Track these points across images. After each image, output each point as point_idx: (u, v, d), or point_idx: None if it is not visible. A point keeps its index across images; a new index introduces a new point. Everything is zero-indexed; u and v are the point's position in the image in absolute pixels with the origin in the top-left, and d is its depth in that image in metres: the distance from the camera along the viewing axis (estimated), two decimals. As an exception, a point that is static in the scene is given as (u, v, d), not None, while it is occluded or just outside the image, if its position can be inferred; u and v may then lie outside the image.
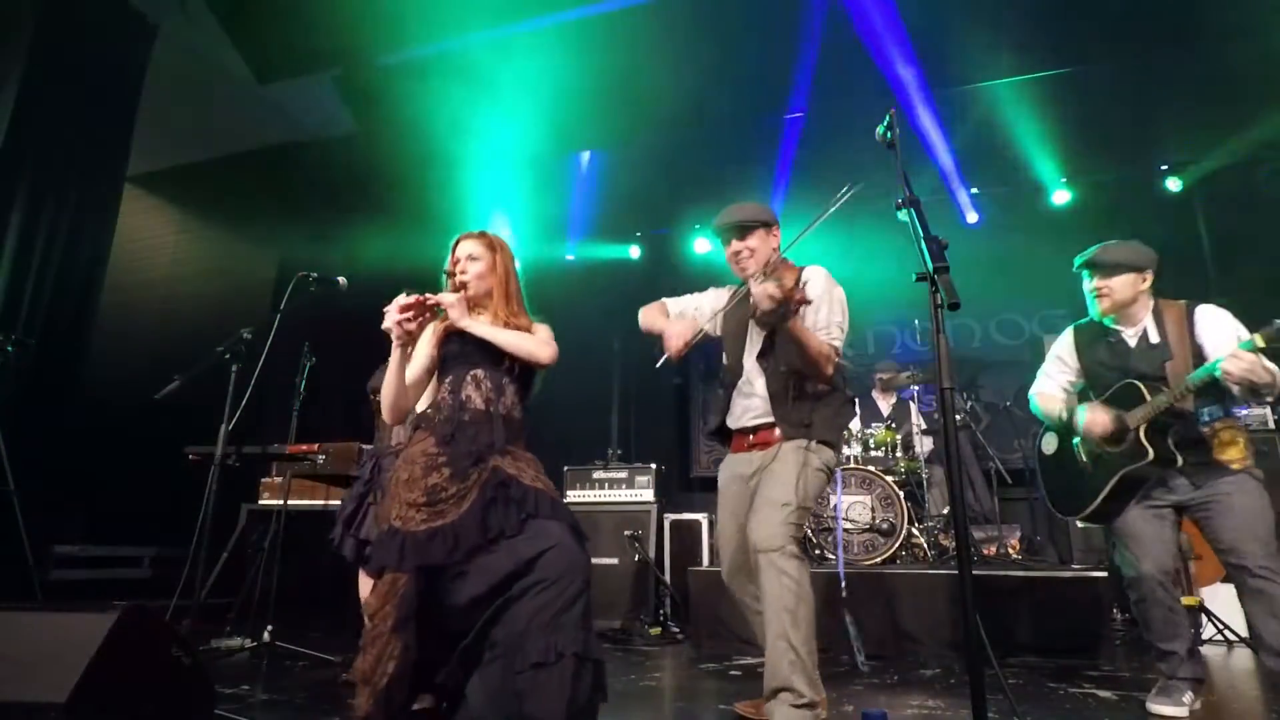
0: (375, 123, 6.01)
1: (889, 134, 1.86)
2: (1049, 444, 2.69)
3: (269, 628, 3.46)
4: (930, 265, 1.62)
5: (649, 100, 5.33)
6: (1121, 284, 2.45)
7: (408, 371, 1.95)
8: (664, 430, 7.18)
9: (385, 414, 1.98)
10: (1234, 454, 2.30)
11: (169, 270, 7.00)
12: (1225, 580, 3.82)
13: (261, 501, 4.18)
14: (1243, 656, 3.44)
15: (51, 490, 4.50)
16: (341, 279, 3.32)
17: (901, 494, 4.25)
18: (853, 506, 4.33)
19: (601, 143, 6.27)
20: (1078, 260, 2.54)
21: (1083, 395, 2.62)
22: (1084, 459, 2.51)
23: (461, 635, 1.73)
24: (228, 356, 3.07)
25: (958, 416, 4.64)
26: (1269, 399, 2.24)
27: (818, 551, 4.38)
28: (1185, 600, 3.74)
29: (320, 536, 2.98)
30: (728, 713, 2.48)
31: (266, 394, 3.42)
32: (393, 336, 1.90)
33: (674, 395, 7.31)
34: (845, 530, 4.30)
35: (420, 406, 2.02)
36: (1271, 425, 4.39)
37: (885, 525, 4.24)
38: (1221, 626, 3.67)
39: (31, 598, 3.84)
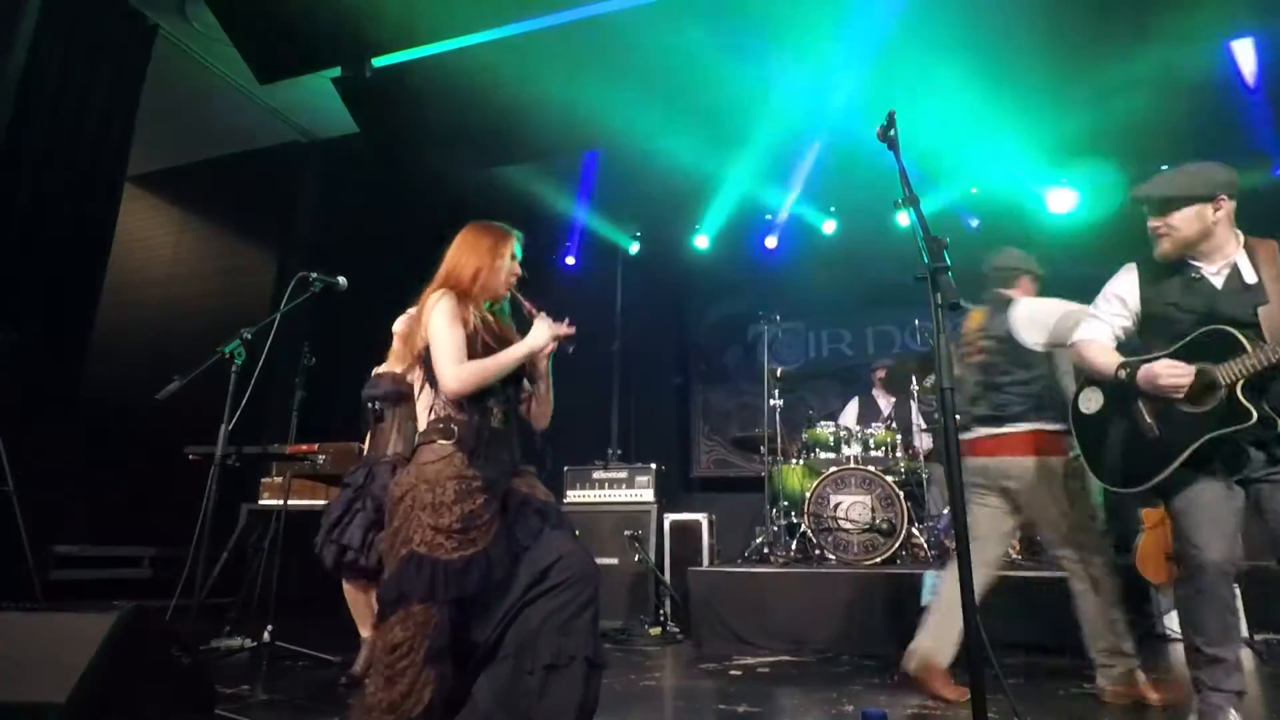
0: (375, 123, 6.00)
1: (889, 134, 1.86)
2: (1090, 401, 2.22)
3: (269, 628, 3.46)
4: (930, 265, 1.62)
5: (660, 98, 5.33)
6: (1185, 220, 2.03)
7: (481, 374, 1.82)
8: (664, 430, 7.18)
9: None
10: None
11: (169, 270, 7.00)
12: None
13: (261, 501, 4.18)
14: (1243, 657, 3.44)
15: (51, 490, 4.50)
16: (341, 279, 3.32)
17: (901, 494, 4.25)
18: (853, 506, 4.33)
19: (608, 143, 6.25)
20: (1134, 193, 2.15)
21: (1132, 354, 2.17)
22: (1148, 419, 2.05)
23: (477, 645, 1.71)
24: (228, 356, 3.07)
25: (958, 417, 4.64)
26: None
27: (818, 551, 4.38)
28: (1185, 600, 3.74)
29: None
30: (728, 712, 2.48)
31: (266, 394, 3.43)
32: (547, 349, 1.90)
33: (674, 395, 7.32)
34: (845, 530, 4.31)
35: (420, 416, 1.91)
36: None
37: (885, 525, 4.24)
38: (1221, 626, 3.67)
39: (31, 598, 3.84)
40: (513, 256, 2.00)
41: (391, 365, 3.18)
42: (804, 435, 5.04)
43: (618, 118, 5.40)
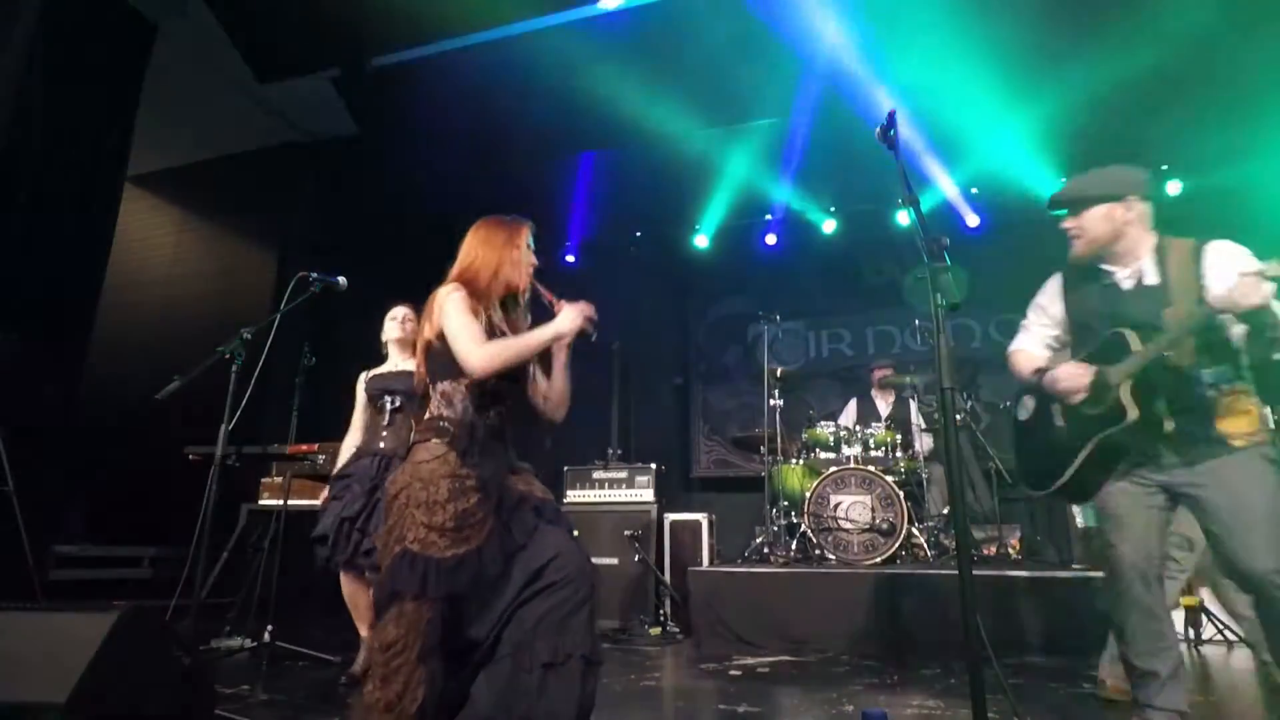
0: (375, 123, 6.01)
1: (889, 134, 1.86)
2: (1025, 409, 2.25)
3: (269, 628, 3.46)
4: (930, 265, 1.62)
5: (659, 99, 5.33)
6: (1095, 219, 2.04)
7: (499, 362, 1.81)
8: (664, 430, 7.18)
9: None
10: (1240, 426, 1.87)
11: (169, 270, 7.00)
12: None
13: (261, 501, 4.18)
14: (1243, 656, 3.44)
15: (51, 490, 4.50)
16: (341, 279, 3.32)
17: (901, 494, 4.25)
18: (853, 506, 4.33)
19: (607, 143, 6.25)
20: (1052, 197, 2.17)
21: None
22: (1060, 422, 2.09)
23: (476, 645, 1.70)
24: (228, 356, 3.07)
25: (958, 416, 4.64)
26: (1273, 336, 1.76)
27: (818, 551, 4.38)
28: (1185, 600, 3.75)
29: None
30: (728, 712, 2.48)
31: (266, 394, 3.42)
32: (570, 337, 1.87)
33: (674, 395, 7.31)
34: (845, 530, 4.31)
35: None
36: (1271, 425, 4.39)
37: (885, 525, 4.24)
38: (1221, 626, 3.67)
39: (31, 598, 3.84)
40: (528, 247, 2.00)
41: (402, 366, 3.20)
42: (804, 435, 5.03)
43: (617, 116, 5.41)
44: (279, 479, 4.09)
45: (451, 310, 1.82)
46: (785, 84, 5.36)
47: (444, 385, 1.85)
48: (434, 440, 1.77)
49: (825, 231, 6.84)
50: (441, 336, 1.83)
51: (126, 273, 6.57)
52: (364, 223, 6.49)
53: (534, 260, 2.01)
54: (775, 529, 4.72)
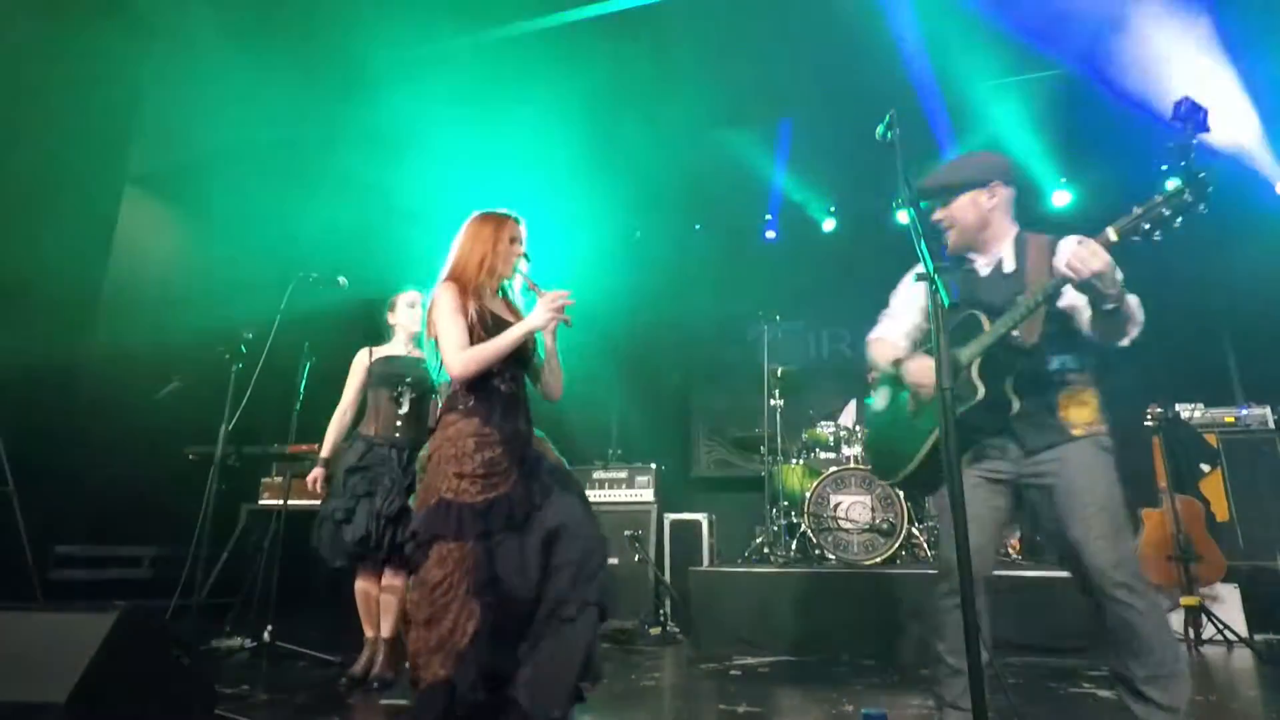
0: (378, 123, 6.01)
1: (889, 134, 1.86)
2: (880, 399, 2.23)
3: (269, 628, 3.46)
4: (930, 265, 1.62)
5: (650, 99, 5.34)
6: (962, 206, 2.02)
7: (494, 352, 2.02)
8: (664, 430, 7.18)
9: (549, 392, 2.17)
10: (1081, 415, 1.90)
11: (169, 270, 6.99)
12: (1225, 580, 3.85)
13: (261, 501, 4.18)
14: (1243, 656, 3.44)
15: (51, 490, 4.50)
16: (341, 279, 3.33)
17: (901, 494, 4.25)
18: (853, 506, 4.33)
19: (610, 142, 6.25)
20: (916, 187, 2.11)
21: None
22: (911, 409, 2.08)
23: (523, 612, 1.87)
24: (228, 356, 3.07)
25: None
26: (1111, 306, 1.74)
27: (818, 551, 4.38)
28: (1185, 600, 3.75)
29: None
30: (728, 712, 2.48)
31: (266, 394, 3.43)
32: (549, 328, 2.06)
33: (674, 395, 7.31)
34: (845, 530, 4.31)
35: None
36: (1271, 425, 4.39)
37: (885, 525, 4.24)
38: (1221, 626, 3.67)
39: (31, 598, 3.84)
40: (514, 239, 2.18)
41: (412, 353, 3.19)
42: (804, 435, 5.03)
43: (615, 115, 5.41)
44: (279, 479, 4.09)
45: (440, 314, 2.05)
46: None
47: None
48: (459, 408, 2.01)
49: (825, 230, 6.84)
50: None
51: (126, 273, 6.56)
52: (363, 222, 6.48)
53: (520, 251, 2.18)
54: (775, 529, 4.72)
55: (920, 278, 1.64)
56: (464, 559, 1.82)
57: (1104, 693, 2.68)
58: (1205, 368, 5.73)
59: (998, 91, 5.42)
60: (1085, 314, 1.87)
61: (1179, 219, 1.68)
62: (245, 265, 6.77)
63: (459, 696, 1.76)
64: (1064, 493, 1.84)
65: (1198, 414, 4.49)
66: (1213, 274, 5.82)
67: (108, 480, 5.36)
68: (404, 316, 3.22)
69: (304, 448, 3.91)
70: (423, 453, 2.02)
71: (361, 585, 2.98)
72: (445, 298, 2.05)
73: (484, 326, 2.04)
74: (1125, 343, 1.88)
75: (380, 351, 3.20)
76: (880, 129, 1.85)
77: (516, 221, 2.20)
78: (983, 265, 2.05)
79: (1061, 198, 6.12)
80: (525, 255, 2.20)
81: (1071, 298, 1.86)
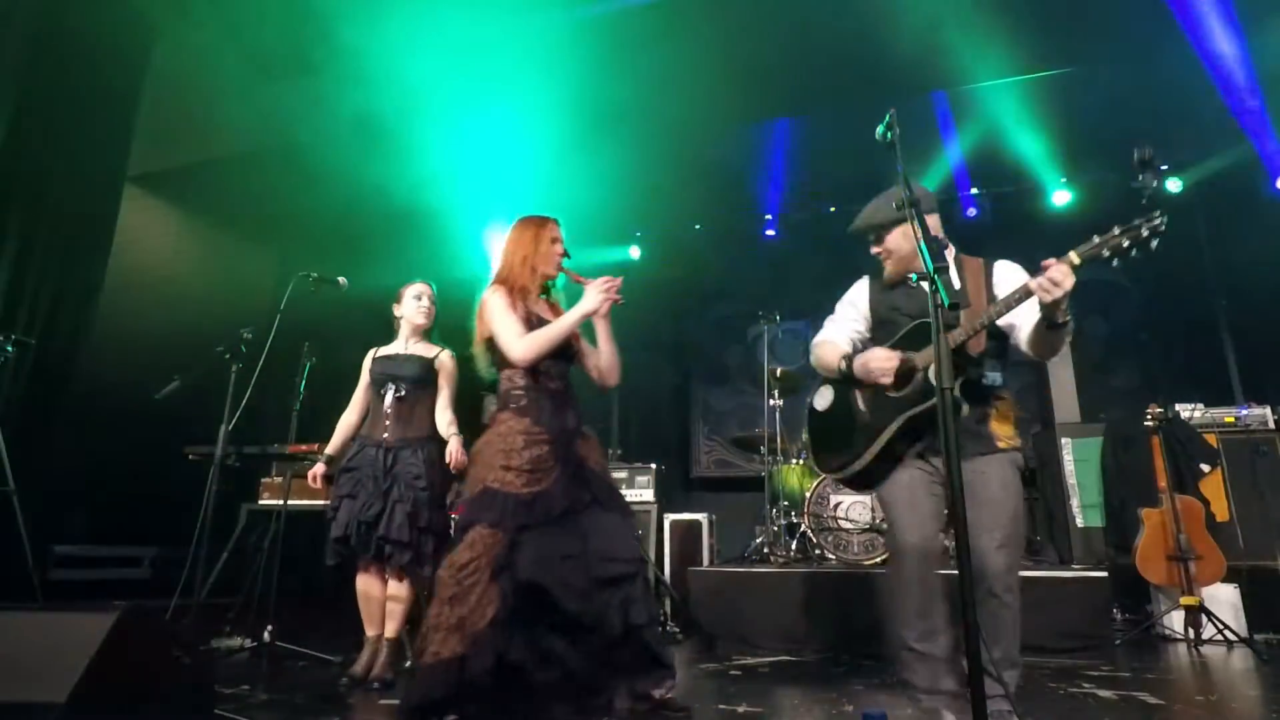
0: (376, 122, 6.01)
1: (889, 134, 1.86)
2: (823, 399, 2.33)
3: (269, 628, 3.46)
4: (930, 265, 1.61)
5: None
6: (896, 239, 2.20)
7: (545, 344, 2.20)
8: (664, 430, 7.18)
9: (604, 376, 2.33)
10: (1004, 430, 2.06)
11: (169, 270, 6.99)
12: (1225, 580, 3.85)
13: (261, 501, 4.17)
14: (1243, 656, 3.44)
15: (51, 490, 4.50)
16: (341, 279, 3.32)
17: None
18: (853, 506, 4.33)
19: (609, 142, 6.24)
20: (850, 230, 2.31)
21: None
22: (862, 407, 2.19)
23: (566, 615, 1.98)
24: (228, 356, 3.07)
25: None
26: (1063, 320, 1.85)
27: (818, 551, 4.38)
28: (1185, 600, 3.75)
29: (320, 536, 2.96)
30: (728, 712, 2.48)
31: (266, 394, 3.42)
32: (601, 311, 2.20)
33: (674, 395, 7.32)
34: (845, 530, 4.31)
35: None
36: (1271, 425, 4.39)
37: (885, 525, 4.24)
38: (1221, 626, 3.67)
39: (31, 598, 3.84)
40: (554, 240, 2.36)
41: (412, 350, 3.17)
42: (804, 435, 5.03)
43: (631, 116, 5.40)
44: (279, 479, 4.09)
45: (493, 311, 2.22)
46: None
47: (506, 372, 2.25)
48: (508, 411, 2.16)
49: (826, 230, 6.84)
50: (492, 335, 2.22)
51: (126, 273, 6.56)
52: (364, 222, 6.49)
53: (560, 250, 2.35)
54: (775, 529, 4.72)
55: (920, 278, 1.65)
56: (494, 545, 1.94)
57: (1104, 693, 2.68)
58: (1205, 368, 5.74)
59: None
60: (1024, 332, 2.01)
61: (1135, 251, 1.80)
62: (245, 265, 6.79)
63: (470, 677, 1.83)
64: (981, 502, 1.98)
65: (1198, 414, 4.49)
66: (1213, 274, 5.83)
67: (108, 480, 5.37)
68: (408, 308, 3.16)
69: (304, 448, 3.90)
70: (469, 450, 2.20)
71: (362, 584, 2.97)
72: (494, 299, 2.23)
73: (530, 327, 2.20)
74: (1053, 358, 2.08)
75: (382, 351, 3.17)
76: (880, 129, 1.85)
77: (556, 223, 2.38)
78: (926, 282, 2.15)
79: (1061, 197, 6.13)
80: (566, 254, 2.36)
81: (1011, 316, 1.99)
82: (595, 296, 2.19)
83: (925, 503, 2.08)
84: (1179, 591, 3.80)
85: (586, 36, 5.02)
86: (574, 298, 2.31)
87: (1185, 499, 3.98)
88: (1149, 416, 4.10)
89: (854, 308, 2.35)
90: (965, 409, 2.02)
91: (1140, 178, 1.85)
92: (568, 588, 1.98)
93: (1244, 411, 4.46)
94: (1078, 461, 4.82)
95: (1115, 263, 1.83)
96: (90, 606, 1.80)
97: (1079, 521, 4.75)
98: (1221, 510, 4.29)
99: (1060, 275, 1.77)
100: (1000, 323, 2.01)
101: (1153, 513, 3.99)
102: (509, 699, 1.90)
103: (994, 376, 2.08)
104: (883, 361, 2.08)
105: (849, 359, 2.19)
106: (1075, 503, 4.78)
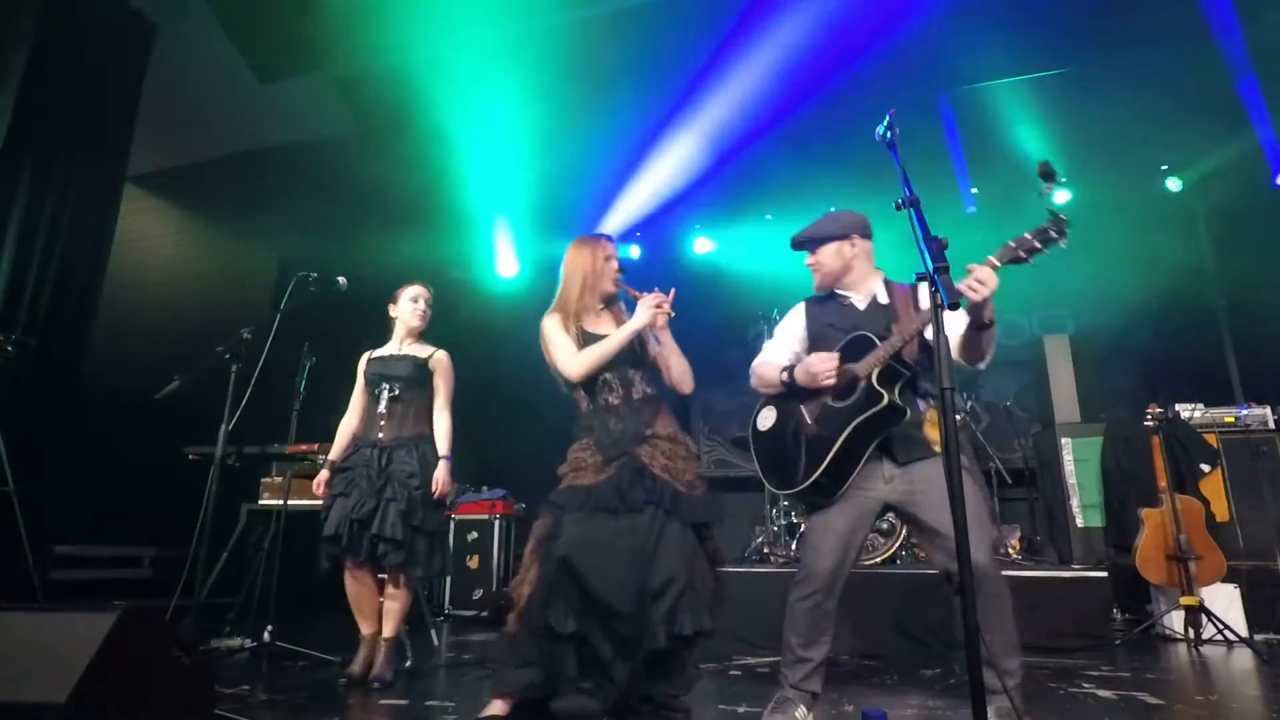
0: (375, 122, 6.01)
1: (888, 134, 1.86)
2: (766, 419, 2.43)
3: (269, 628, 3.46)
4: (930, 265, 1.62)
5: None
6: (827, 254, 2.38)
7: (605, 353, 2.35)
8: (664, 430, 7.16)
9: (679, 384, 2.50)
10: (937, 435, 2.18)
11: (169, 270, 6.99)
12: (1225, 580, 3.85)
13: (261, 501, 4.18)
14: (1243, 656, 3.44)
15: (51, 490, 4.50)
16: (341, 279, 3.32)
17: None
18: (853, 506, 4.32)
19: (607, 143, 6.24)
20: (791, 239, 2.49)
21: None
22: (810, 421, 2.28)
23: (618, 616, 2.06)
24: (228, 356, 3.07)
25: (958, 416, 4.65)
26: (988, 321, 2.03)
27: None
28: (1185, 600, 3.75)
29: (320, 536, 2.96)
30: (728, 712, 2.48)
31: (266, 394, 3.42)
32: (657, 324, 2.35)
33: (674, 395, 7.30)
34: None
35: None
36: (1271, 425, 4.39)
37: (885, 525, 4.24)
38: (1221, 626, 3.67)
39: (31, 598, 3.84)
40: (608, 258, 2.47)
41: (406, 350, 3.16)
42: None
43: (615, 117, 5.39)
44: (279, 479, 4.09)
45: (549, 334, 2.39)
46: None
47: (574, 394, 2.42)
48: (580, 440, 2.32)
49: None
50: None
51: (126, 273, 6.56)
52: (364, 222, 6.49)
53: (616, 268, 2.48)
54: (775, 529, 4.72)
55: (920, 278, 1.65)
56: (541, 530, 2.17)
57: (1104, 693, 2.68)
58: (1205, 368, 5.74)
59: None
60: (953, 340, 2.14)
61: (1046, 248, 1.98)
62: (245, 265, 6.78)
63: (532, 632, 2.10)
64: (934, 506, 2.09)
65: (1198, 414, 4.49)
66: (1213, 274, 5.83)
67: (108, 480, 5.37)
68: (404, 310, 3.16)
69: (304, 448, 3.91)
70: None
71: (353, 586, 2.94)
72: (549, 323, 2.40)
73: (581, 345, 2.35)
74: (982, 366, 2.20)
75: (376, 352, 3.17)
76: (880, 129, 1.86)
77: (610, 240, 2.51)
78: (859, 300, 2.39)
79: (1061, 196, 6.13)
80: (621, 269, 2.49)
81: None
82: (646, 312, 2.31)
83: (855, 535, 2.21)
84: (1179, 591, 3.80)
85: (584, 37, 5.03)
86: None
87: (1185, 499, 3.98)
88: (1149, 416, 4.10)
89: (790, 330, 2.51)
90: (909, 414, 2.16)
91: (1043, 186, 1.99)
92: (604, 577, 2.05)
93: (1244, 411, 4.46)
94: (1078, 461, 4.81)
95: (1031, 261, 2.00)
96: (90, 606, 1.80)
97: (1079, 521, 4.75)
98: (1221, 510, 4.30)
99: (984, 275, 1.94)
100: (928, 335, 2.11)
101: (1153, 513, 3.99)
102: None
103: (926, 384, 2.23)
104: (823, 362, 2.21)
105: (789, 369, 2.32)
106: (1075, 503, 4.78)
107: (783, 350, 2.50)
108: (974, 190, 6.32)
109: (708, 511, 2.27)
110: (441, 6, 4.84)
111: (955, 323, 2.10)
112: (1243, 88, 5.04)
